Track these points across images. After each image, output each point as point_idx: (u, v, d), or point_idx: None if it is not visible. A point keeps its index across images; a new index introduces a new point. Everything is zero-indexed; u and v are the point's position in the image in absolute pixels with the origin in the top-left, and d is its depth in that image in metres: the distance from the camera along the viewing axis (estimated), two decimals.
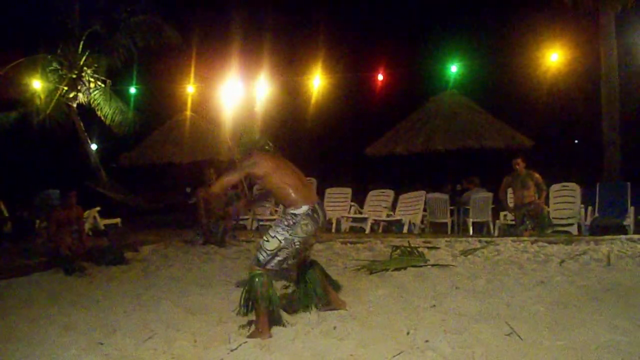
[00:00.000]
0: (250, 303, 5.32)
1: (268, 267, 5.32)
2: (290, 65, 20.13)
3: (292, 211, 5.37)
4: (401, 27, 25.10)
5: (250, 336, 5.13)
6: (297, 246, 5.38)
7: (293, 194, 5.41)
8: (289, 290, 6.57)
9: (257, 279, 5.25)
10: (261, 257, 5.31)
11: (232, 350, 4.72)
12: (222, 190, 5.93)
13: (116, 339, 5.15)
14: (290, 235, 5.30)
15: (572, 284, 6.81)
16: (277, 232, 5.33)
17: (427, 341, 4.74)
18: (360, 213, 14.81)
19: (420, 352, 4.51)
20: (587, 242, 10.00)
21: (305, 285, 5.81)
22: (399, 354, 4.47)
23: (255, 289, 5.25)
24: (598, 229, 12.31)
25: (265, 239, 5.34)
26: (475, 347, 4.54)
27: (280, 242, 5.28)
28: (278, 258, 5.32)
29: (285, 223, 5.34)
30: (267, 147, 5.77)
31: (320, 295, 5.81)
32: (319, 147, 24.03)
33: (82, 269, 9.00)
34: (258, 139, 5.80)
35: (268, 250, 5.30)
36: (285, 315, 5.56)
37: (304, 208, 5.36)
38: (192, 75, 19.58)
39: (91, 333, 5.38)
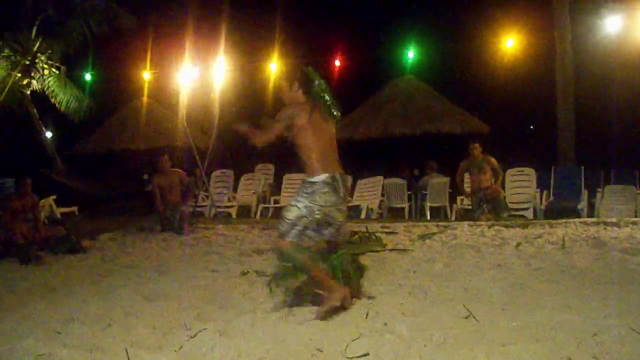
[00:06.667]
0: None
1: (288, 238, 5.11)
2: (247, 50, 19.98)
3: (310, 179, 5.21)
4: (358, 12, 25.06)
5: (325, 308, 5.05)
6: (317, 216, 5.14)
7: (315, 160, 5.21)
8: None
9: (289, 253, 5.14)
10: (282, 228, 5.14)
11: (191, 337, 4.69)
12: (265, 142, 5.30)
13: (74, 328, 5.09)
14: (310, 202, 5.13)
15: (528, 267, 6.90)
16: (297, 200, 5.21)
17: (385, 324, 4.77)
18: None
19: (379, 335, 4.52)
20: (542, 226, 10.09)
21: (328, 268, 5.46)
22: (358, 337, 4.48)
23: (294, 260, 5.18)
24: (553, 213, 12.51)
25: (286, 209, 5.22)
26: (433, 330, 4.58)
27: (300, 210, 5.12)
28: (298, 228, 5.11)
29: (305, 191, 5.19)
30: (322, 97, 5.42)
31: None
32: None
33: (38, 258, 8.90)
34: (317, 84, 5.47)
35: (287, 219, 5.14)
36: (243, 302, 5.57)
37: (323, 176, 5.18)
38: (148, 60, 19.39)
39: (48, 322, 5.31)
